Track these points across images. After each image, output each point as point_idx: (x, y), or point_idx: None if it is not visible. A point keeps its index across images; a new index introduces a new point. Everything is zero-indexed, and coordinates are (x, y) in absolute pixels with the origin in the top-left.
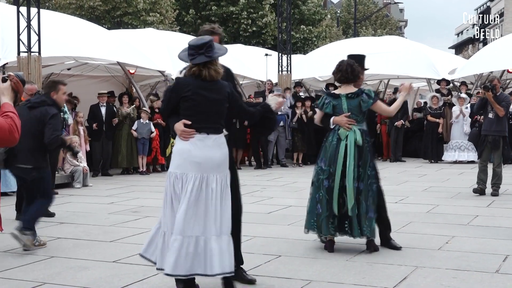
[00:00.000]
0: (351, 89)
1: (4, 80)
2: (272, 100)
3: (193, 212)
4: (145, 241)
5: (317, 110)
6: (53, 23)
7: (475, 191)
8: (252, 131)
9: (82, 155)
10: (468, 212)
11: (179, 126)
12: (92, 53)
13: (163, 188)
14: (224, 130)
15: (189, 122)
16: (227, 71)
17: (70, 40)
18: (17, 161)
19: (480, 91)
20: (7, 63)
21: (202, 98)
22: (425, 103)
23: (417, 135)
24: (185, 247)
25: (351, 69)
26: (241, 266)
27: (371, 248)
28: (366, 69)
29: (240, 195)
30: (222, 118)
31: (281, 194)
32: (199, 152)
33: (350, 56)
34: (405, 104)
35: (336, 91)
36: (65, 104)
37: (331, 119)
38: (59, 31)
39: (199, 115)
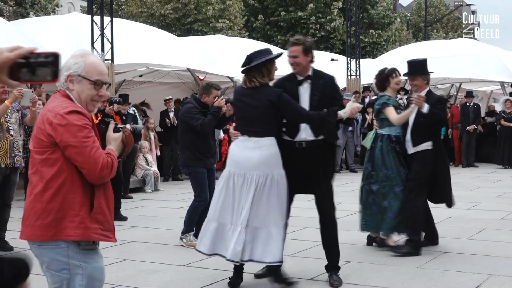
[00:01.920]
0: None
1: (116, 130)
2: (348, 106)
3: (228, 203)
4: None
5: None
6: (125, 31)
7: None
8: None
9: (153, 159)
10: None
11: (231, 128)
12: (163, 60)
13: None
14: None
15: (234, 125)
16: (324, 78)
17: (141, 47)
18: None
19: None
20: None
21: (243, 104)
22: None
23: (490, 140)
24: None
25: (377, 79)
26: None
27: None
28: (430, 72)
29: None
30: (265, 123)
31: (350, 199)
32: (238, 152)
33: (408, 62)
34: (477, 108)
35: None
36: (135, 110)
37: None
38: (131, 39)
39: (242, 119)
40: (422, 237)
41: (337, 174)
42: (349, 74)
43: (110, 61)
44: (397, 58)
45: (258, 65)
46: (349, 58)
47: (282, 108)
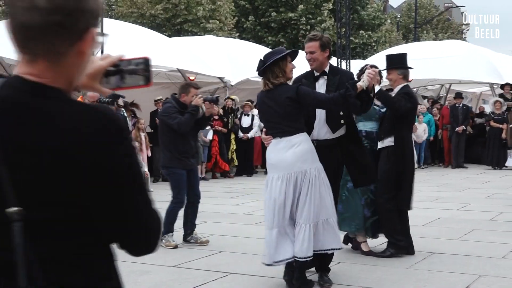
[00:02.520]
0: None
1: None
2: (364, 74)
3: (280, 207)
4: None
5: None
6: (115, 31)
7: None
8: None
9: (143, 160)
10: None
11: (263, 134)
12: (153, 60)
13: (223, 193)
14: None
15: (265, 130)
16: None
17: (131, 48)
18: None
19: None
20: None
21: (265, 106)
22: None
23: (479, 141)
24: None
25: (357, 75)
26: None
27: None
28: (408, 68)
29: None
30: (291, 121)
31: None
32: (273, 155)
33: (386, 56)
34: (466, 109)
35: None
36: (123, 111)
37: None
38: (121, 39)
39: (268, 122)
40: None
41: None
42: None
43: None
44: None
45: (270, 66)
46: (339, 59)
47: (302, 101)
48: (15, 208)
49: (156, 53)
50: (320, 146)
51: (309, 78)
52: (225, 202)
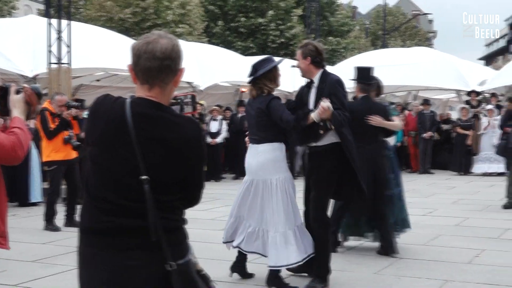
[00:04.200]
0: None
1: (17, 92)
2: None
3: (244, 208)
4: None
5: (395, 118)
6: (83, 35)
7: (505, 206)
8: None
9: None
10: (499, 225)
11: (247, 138)
12: (120, 64)
13: None
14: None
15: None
16: (329, 80)
17: (99, 51)
18: None
19: (508, 103)
20: (37, 75)
21: (247, 113)
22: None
23: (446, 147)
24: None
25: None
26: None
27: None
28: (372, 82)
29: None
30: (260, 130)
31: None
32: (246, 159)
33: (357, 68)
34: (433, 115)
35: None
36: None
37: None
38: (89, 43)
39: (248, 128)
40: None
41: (295, 180)
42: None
43: (67, 65)
44: (355, 66)
45: (266, 73)
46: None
47: (270, 114)
48: (145, 176)
49: (125, 57)
50: (312, 153)
51: (307, 86)
52: (192, 208)
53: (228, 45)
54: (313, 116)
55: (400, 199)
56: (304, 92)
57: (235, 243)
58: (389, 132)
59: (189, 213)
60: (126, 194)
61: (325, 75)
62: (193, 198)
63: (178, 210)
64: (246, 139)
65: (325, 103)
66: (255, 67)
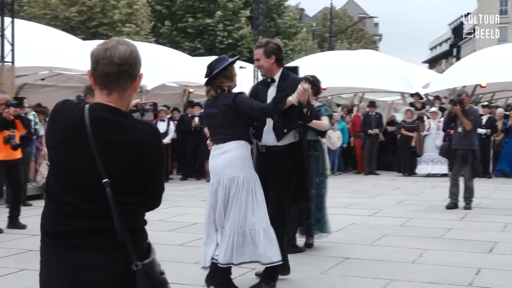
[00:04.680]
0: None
1: None
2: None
3: (214, 212)
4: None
5: (325, 118)
6: (27, 33)
7: (448, 207)
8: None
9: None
10: (442, 225)
11: (208, 140)
12: (66, 63)
13: None
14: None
15: (208, 136)
16: (286, 78)
17: (44, 50)
18: None
19: (449, 105)
20: None
21: (207, 115)
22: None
23: (391, 148)
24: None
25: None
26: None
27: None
28: None
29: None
30: (227, 128)
31: None
32: (210, 162)
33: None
34: (379, 117)
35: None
36: (36, 114)
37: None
38: (33, 41)
39: (209, 129)
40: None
41: None
42: (256, 81)
43: (10, 63)
44: (302, 67)
45: (221, 71)
46: (256, 66)
47: (239, 108)
48: (106, 179)
49: (70, 56)
50: (269, 153)
51: (263, 84)
52: None
53: (175, 45)
54: (291, 99)
55: (318, 200)
56: (259, 90)
57: (221, 260)
58: (320, 132)
59: None
60: (88, 197)
61: (286, 74)
62: (154, 201)
63: (140, 212)
64: (208, 141)
65: (305, 84)
66: (211, 67)
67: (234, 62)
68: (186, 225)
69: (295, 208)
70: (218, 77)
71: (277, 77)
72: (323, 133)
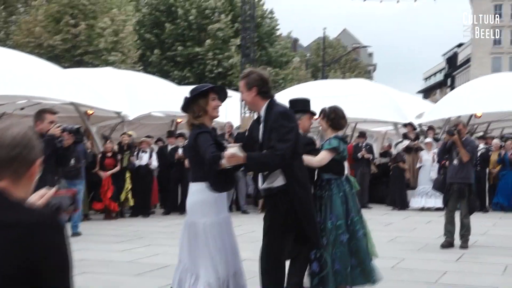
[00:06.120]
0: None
1: None
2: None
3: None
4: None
5: (323, 152)
6: (5, 61)
7: (443, 246)
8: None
9: None
10: (436, 267)
11: None
12: (44, 92)
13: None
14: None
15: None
16: (275, 112)
17: (21, 78)
18: None
19: (445, 136)
20: None
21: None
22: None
23: (384, 180)
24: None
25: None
26: None
27: None
28: (314, 114)
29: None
30: (192, 167)
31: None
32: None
33: (292, 101)
34: (369, 148)
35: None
36: None
37: (346, 165)
38: (11, 69)
39: None
40: None
41: None
42: (243, 111)
43: None
44: (293, 96)
45: (190, 104)
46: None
47: (199, 151)
48: None
49: (48, 85)
50: (266, 196)
51: (256, 121)
52: (111, 248)
53: (164, 74)
54: (223, 162)
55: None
56: (254, 127)
57: None
58: (335, 170)
59: (103, 255)
60: None
61: (270, 107)
62: None
63: None
64: None
65: (229, 151)
66: (186, 97)
67: (202, 93)
68: (157, 268)
69: (302, 257)
70: (191, 106)
71: (262, 111)
72: (337, 171)
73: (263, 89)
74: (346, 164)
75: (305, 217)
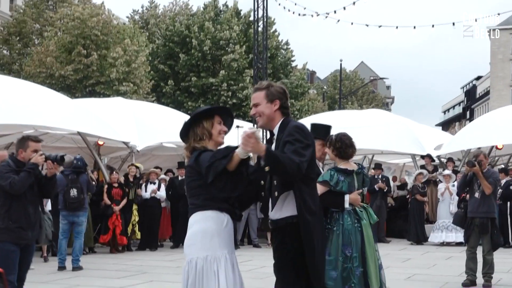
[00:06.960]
0: (353, 165)
1: None
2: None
3: None
4: None
5: (317, 183)
6: (13, 91)
7: (464, 284)
8: None
9: None
10: None
11: None
12: (50, 122)
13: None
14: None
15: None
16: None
17: (28, 108)
18: None
19: (465, 167)
20: None
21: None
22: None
23: (402, 214)
24: None
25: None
26: None
27: None
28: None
29: None
30: (192, 196)
31: (249, 281)
32: None
33: (313, 125)
34: (386, 181)
35: (343, 167)
36: None
37: (346, 198)
38: (18, 99)
39: None
40: None
41: (237, 250)
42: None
43: None
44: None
45: (192, 127)
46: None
47: (201, 170)
48: None
49: (55, 115)
50: (275, 228)
51: (268, 142)
52: (111, 284)
53: (178, 105)
54: (238, 151)
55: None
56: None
57: None
58: (331, 203)
59: None
60: None
61: (285, 124)
62: None
63: None
64: None
65: (250, 129)
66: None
67: (206, 113)
68: None
69: None
70: (189, 135)
71: (276, 128)
72: (334, 204)
73: (285, 104)
74: (347, 197)
75: (310, 251)
